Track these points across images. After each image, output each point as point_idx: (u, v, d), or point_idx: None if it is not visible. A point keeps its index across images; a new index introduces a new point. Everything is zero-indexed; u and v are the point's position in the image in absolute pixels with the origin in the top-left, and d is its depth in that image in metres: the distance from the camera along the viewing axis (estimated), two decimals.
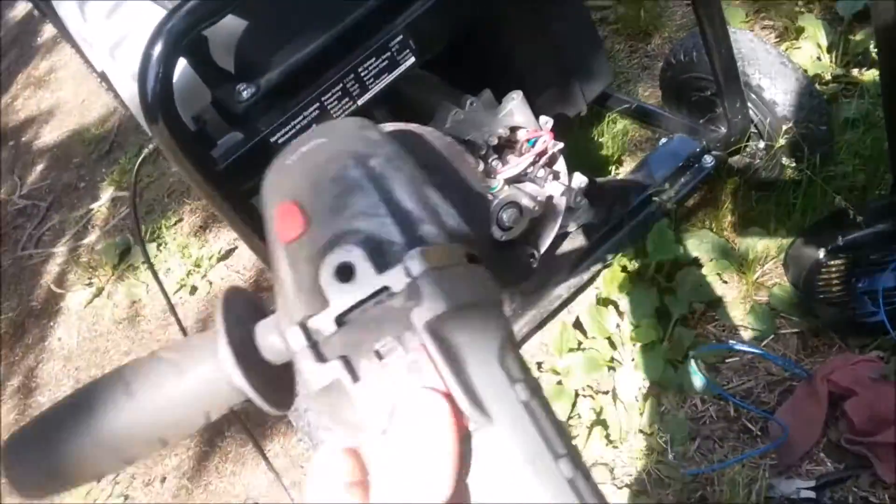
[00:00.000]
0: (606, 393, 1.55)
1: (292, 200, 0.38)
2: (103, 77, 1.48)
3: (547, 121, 1.31)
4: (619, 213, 1.56)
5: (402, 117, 1.19)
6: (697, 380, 1.50)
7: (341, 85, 0.99)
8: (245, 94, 0.98)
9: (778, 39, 1.99)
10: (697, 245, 1.63)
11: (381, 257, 0.35)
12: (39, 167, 3.47)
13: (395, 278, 0.34)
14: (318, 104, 0.99)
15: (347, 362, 0.34)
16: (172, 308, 1.37)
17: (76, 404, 0.42)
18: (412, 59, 1.03)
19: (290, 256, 0.37)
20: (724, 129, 1.56)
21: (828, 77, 1.82)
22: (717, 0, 1.35)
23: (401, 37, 1.03)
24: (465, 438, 0.33)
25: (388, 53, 1.01)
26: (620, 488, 1.43)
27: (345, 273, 0.35)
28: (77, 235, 2.97)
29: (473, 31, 1.13)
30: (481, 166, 1.24)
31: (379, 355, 0.34)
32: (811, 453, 1.35)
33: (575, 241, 1.57)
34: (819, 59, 1.86)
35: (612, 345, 1.58)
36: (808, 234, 1.54)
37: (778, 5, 2.07)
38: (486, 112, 1.27)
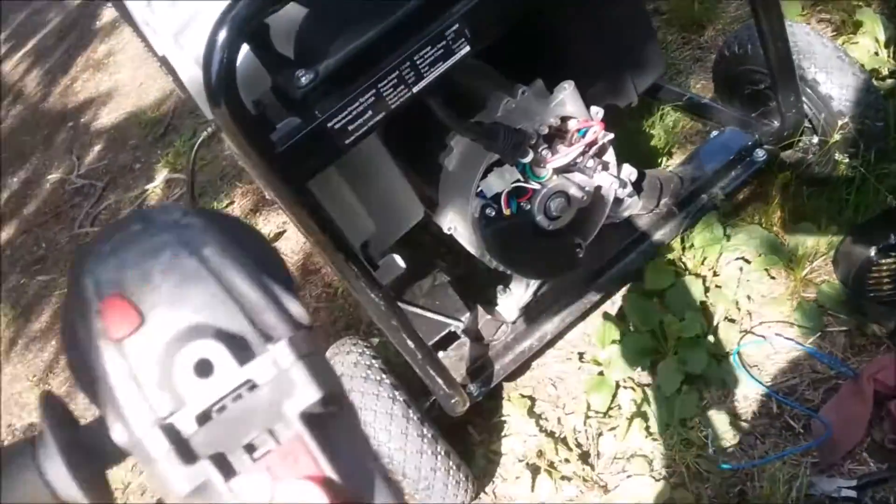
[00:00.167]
0: (648, 385, 1.55)
1: (118, 293, 0.36)
2: (164, 61, 1.52)
3: (598, 111, 1.32)
4: (668, 206, 1.56)
5: (455, 106, 1.21)
6: (741, 375, 1.50)
7: (397, 72, 1.02)
8: (304, 80, 1.00)
9: (835, 33, 1.96)
10: (746, 239, 1.62)
11: (239, 349, 0.34)
12: (97, 148, 3.56)
13: (260, 370, 0.34)
14: (374, 91, 1.01)
15: (218, 460, 0.33)
16: None
17: None
18: (467, 48, 1.05)
19: (123, 355, 0.35)
20: (777, 123, 1.55)
21: (885, 72, 1.79)
22: None
23: (456, 25, 1.04)
24: None
25: (444, 42, 1.03)
26: (658, 480, 1.44)
27: (204, 368, 0.34)
28: None
29: (527, 21, 1.14)
30: (530, 155, 1.25)
31: (251, 449, 0.34)
32: (854, 453, 1.34)
33: (622, 232, 1.58)
34: (876, 54, 1.83)
35: (655, 337, 1.58)
36: (860, 231, 1.52)
37: None
38: (538, 101, 1.28)
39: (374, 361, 1.45)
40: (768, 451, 1.40)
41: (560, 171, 1.32)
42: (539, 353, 1.62)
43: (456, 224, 1.38)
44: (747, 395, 1.49)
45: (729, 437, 1.45)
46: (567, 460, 1.52)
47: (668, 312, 1.59)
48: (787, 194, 1.65)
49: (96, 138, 3.64)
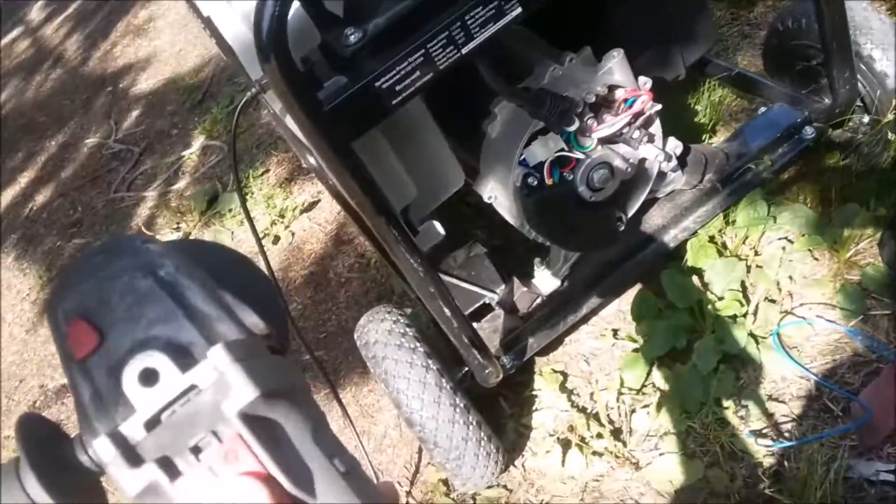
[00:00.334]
0: (684, 363, 1.53)
1: (81, 317, 0.38)
2: (207, 23, 1.51)
3: (646, 81, 1.30)
4: (711, 182, 1.53)
5: (503, 71, 1.19)
6: (780, 356, 1.47)
7: (447, 32, 1.00)
8: (352, 39, 0.99)
9: (891, 10, 1.91)
10: (790, 219, 1.59)
11: (184, 358, 0.36)
12: (135, 113, 3.58)
13: (202, 375, 0.35)
14: (423, 51, 1.00)
15: (164, 462, 0.35)
16: (263, 250, 1.42)
17: None
18: (518, 10, 1.03)
19: (87, 372, 0.37)
20: (828, 101, 1.51)
21: None
22: None
23: None
24: None
25: (496, 2, 1.01)
26: (691, 458, 1.42)
27: (149, 377, 0.36)
28: (168, 181, 3.07)
29: None
30: (576, 124, 1.24)
31: (196, 450, 0.35)
32: (893, 437, 1.32)
33: (663, 207, 1.56)
34: None
35: (693, 315, 1.56)
36: None
37: None
38: (585, 69, 1.26)
39: (407, 329, 1.45)
40: (806, 433, 1.38)
41: (605, 141, 1.30)
42: (573, 328, 1.61)
43: (496, 193, 1.36)
44: (785, 377, 1.47)
45: (765, 417, 1.43)
46: (599, 436, 1.51)
47: (707, 291, 1.57)
48: (835, 174, 1.62)
49: (134, 104, 3.66)
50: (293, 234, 2.46)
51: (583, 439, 1.52)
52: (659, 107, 1.31)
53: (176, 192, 2.98)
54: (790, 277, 1.56)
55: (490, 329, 1.54)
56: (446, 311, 1.28)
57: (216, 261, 0.49)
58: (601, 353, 1.67)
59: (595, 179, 1.31)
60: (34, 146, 3.90)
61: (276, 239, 2.46)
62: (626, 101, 1.28)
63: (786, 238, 1.60)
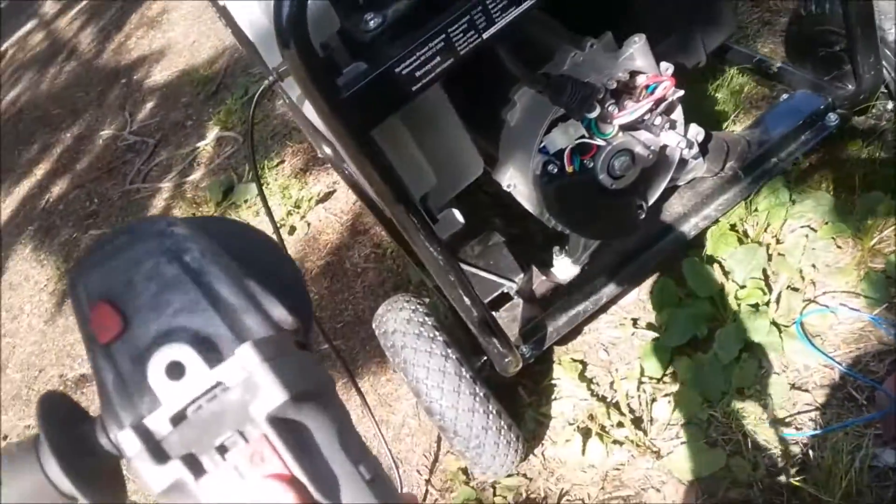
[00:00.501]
0: (705, 352, 1.52)
1: (105, 300, 0.38)
2: (223, 12, 1.51)
3: (668, 66, 1.28)
4: (733, 169, 1.51)
5: (523, 57, 1.18)
6: (803, 345, 1.46)
7: (468, 17, 0.99)
8: (372, 24, 0.98)
9: None
10: (812, 206, 1.57)
11: (211, 352, 0.35)
12: (149, 105, 3.59)
13: (229, 372, 0.34)
14: (443, 36, 0.99)
15: (189, 460, 0.34)
16: (281, 240, 1.41)
17: None
18: None
19: (111, 357, 0.36)
20: (851, 87, 1.49)
21: None
22: None
23: None
24: None
25: None
26: (713, 447, 1.41)
27: (175, 371, 0.35)
28: (183, 172, 3.07)
29: None
30: (597, 110, 1.22)
31: (222, 449, 0.34)
32: None
33: (684, 195, 1.54)
34: None
35: (714, 304, 1.55)
36: None
37: None
38: (606, 55, 1.25)
39: (426, 318, 1.44)
40: (830, 422, 1.36)
41: (626, 128, 1.29)
42: (592, 317, 1.60)
43: (516, 181, 1.35)
44: (809, 366, 1.45)
45: (788, 406, 1.41)
46: (619, 424, 1.50)
47: (729, 279, 1.55)
48: (858, 161, 1.60)
49: (149, 95, 3.67)
50: (309, 225, 2.46)
51: (603, 428, 1.51)
52: (681, 93, 1.30)
53: (191, 184, 2.98)
54: (813, 265, 1.54)
55: (509, 318, 1.53)
56: (466, 300, 1.27)
57: (243, 244, 0.48)
58: (621, 342, 1.66)
59: (616, 167, 1.30)
60: (49, 138, 3.91)
61: (292, 229, 2.45)
62: (647, 87, 1.26)
63: (808, 226, 1.58)
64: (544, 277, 1.54)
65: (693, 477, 1.39)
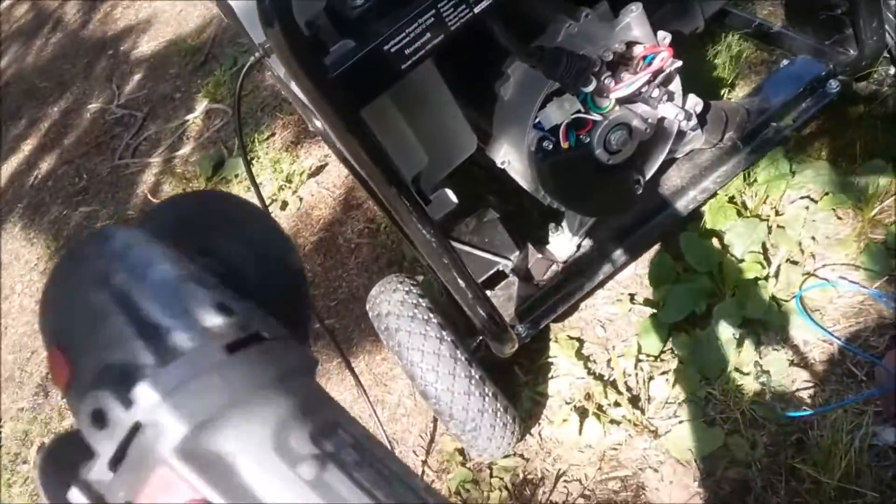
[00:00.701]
0: (704, 328, 1.50)
1: (56, 345, 0.37)
2: None
3: (665, 36, 1.24)
4: (732, 140, 1.48)
5: (516, 29, 1.14)
6: (802, 320, 1.44)
7: None
8: (359, 0, 0.94)
9: None
10: (813, 177, 1.54)
11: (131, 388, 0.34)
12: (136, 77, 3.52)
13: (142, 412, 0.33)
14: (433, 11, 0.95)
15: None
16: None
17: None
18: None
19: (70, 404, 0.36)
20: (853, 52, 1.45)
21: None
22: None
23: None
24: None
25: None
26: (711, 426, 1.40)
27: (99, 419, 0.34)
28: (172, 146, 3.02)
29: None
30: (593, 84, 1.18)
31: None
32: None
33: (682, 167, 1.51)
34: None
35: (713, 279, 1.52)
36: None
37: None
38: (602, 25, 1.20)
39: (420, 300, 1.41)
40: (829, 399, 1.35)
41: (623, 101, 1.25)
42: (589, 293, 1.58)
43: (510, 157, 1.32)
44: (808, 341, 1.43)
45: (787, 383, 1.39)
46: (616, 404, 1.48)
47: (727, 253, 1.53)
48: (859, 129, 1.56)
49: (136, 67, 3.60)
50: (301, 200, 2.42)
51: (600, 407, 1.50)
52: (679, 63, 1.26)
53: (181, 158, 2.94)
54: (813, 238, 1.52)
55: (504, 297, 1.51)
56: (460, 281, 1.24)
57: (214, 219, 0.46)
58: (618, 319, 1.64)
59: (613, 141, 1.26)
60: (36, 112, 3.85)
61: (284, 205, 2.42)
62: (644, 58, 1.22)
63: (808, 197, 1.55)
64: (540, 255, 1.51)
65: (691, 456, 1.38)
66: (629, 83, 1.21)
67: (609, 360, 1.57)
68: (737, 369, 1.43)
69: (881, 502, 1.20)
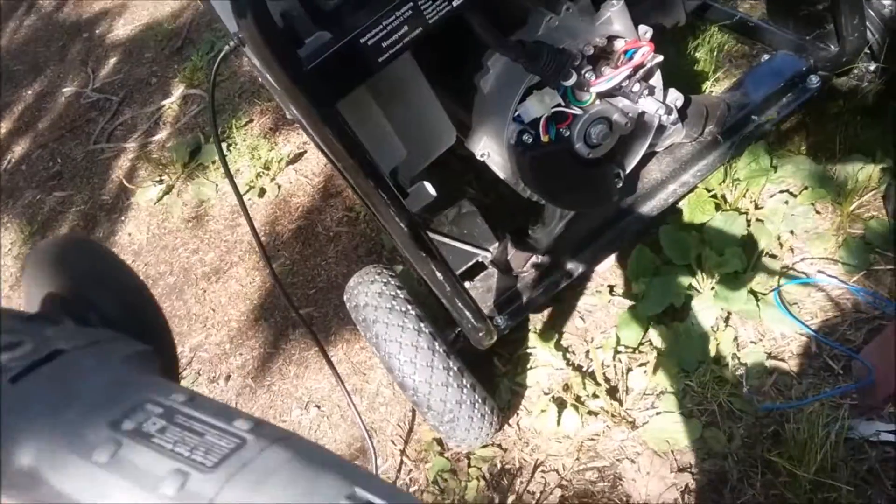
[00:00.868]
0: (682, 321, 1.50)
1: None
2: None
3: (646, 30, 1.23)
4: (712, 134, 1.47)
5: (497, 23, 1.12)
6: (780, 313, 1.44)
7: None
8: None
9: None
10: (792, 171, 1.55)
11: None
12: (112, 61, 3.46)
13: None
14: (411, 4, 0.93)
15: None
16: (245, 207, 1.35)
17: None
18: None
19: None
20: (834, 48, 1.45)
21: None
22: None
23: None
24: None
25: None
26: (689, 418, 1.40)
27: None
28: (148, 132, 2.98)
29: None
30: (574, 78, 1.17)
31: None
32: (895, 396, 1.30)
33: (662, 161, 1.50)
34: None
35: (692, 272, 1.53)
36: None
37: None
38: (583, 19, 1.19)
39: (399, 292, 1.40)
40: (806, 393, 1.36)
41: (603, 95, 1.24)
42: (568, 286, 1.57)
43: (489, 150, 1.31)
44: (785, 334, 1.44)
45: (764, 376, 1.40)
46: (595, 395, 1.49)
47: (706, 247, 1.53)
48: (839, 124, 1.56)
49: (111, 51, 3.53)
50: (279, 187, 2.39)
51: (578, 398, 1.50)
52: (660, 58, 1.25)
53: (157, 144, 2.89)
54: (792, 232, 1.52)
55: (483, 289, 1.50)
56: (438, 273, 1.23)
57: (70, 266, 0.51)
58: (597, 310, 1.64)
59: (593, 135, 1.25)
60: (10, 96, 3.77)
61: (262, 192, 2.39)
62: (625, 52, 1.21)
63: (788, 191, 1.56)
64: (519, 247, 1.50)
65: (668, 448, 1.39)
66: (610, 77, 1.20)
67: (588, 352, 1.57)
68: (714, 362, 1.44)
69: (856, 495, 1.21)
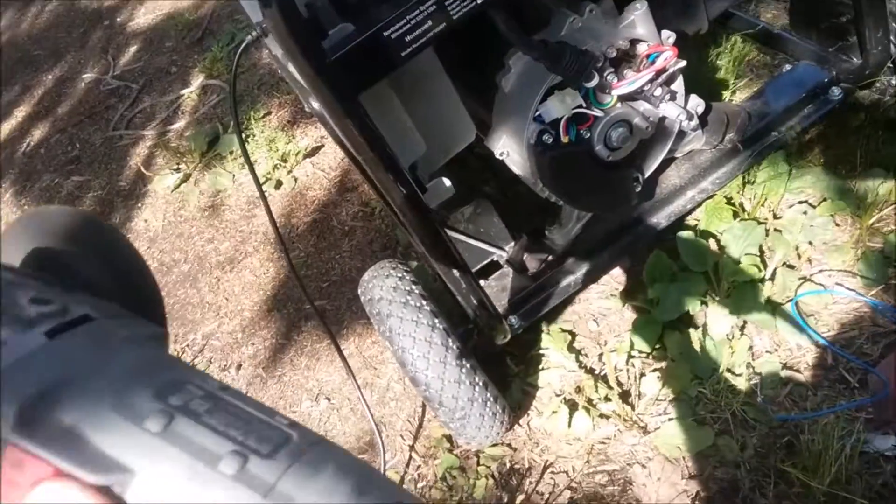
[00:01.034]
0: (697, 328, 1.49)
1: None
2: None
3: (669, 35, 1.22)
4: (732, 142, 1.46)
5: (520, 22, 1.12)
6: (796, 324, 1.43)
7: None
8: None
9: None
10: (812, 182, 1.54)
11: None
12: (132, 49, 3.48)
13: None
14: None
15: None
16: (264, 197, 1.36)
17: None
18: None
19: None
20: (857, 60, 1.44)
21: None
22: None
23: None
24: (114, 501, 0.32)
25: None
26: (701, 425, 1.39)
27: None
28: (167, 120, 2.99)
29: None
30: (596, 79, 1.17)
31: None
32: None
33: (681, 167, 1.49)
34: None
35: (708, 279, 1.52)
36: None
37: None
38: (606, 21, 1.19)
39: (413, 287, 1.40)
40: (820, 404, 1.35)
41: (625, 98, 1.24)
42: (583, 288, 1.57)
43: (509, 149, 1.30)
44: (801, 345, 1.43)
45: (779, 386, 1.39)
46: (607, 398, 1.48)
47: (724, 254, 1.52)
48: (860, 137, 1.55)
49: (132, 39, 3.55)
50: (296, 180, 2.40)
51: (590, 401, 1.49)
52: (683, 63, 1.24)
53: (175, 132, 2.91)
54: (810, 243, 1.51)
55: (498, 287, 1.50)
56: (454, 270, 1.23)
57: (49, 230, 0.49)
58: (611, 314, 1.63)
59: (613, 138, 1.25)
60: (30, 80, 3.79)
61: (279, 184, 2.40)
62: (648, 56, 1.21)
63: (807, 202, 1.55)
64: (535, 247, 1.50)
65: (679, 454, 1.38)
66: (632, 81, 1.19)
67: (601, 355, 1.56)
68: (729, 370, 1.43)
69: None
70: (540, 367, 1.60)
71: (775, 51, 1.74)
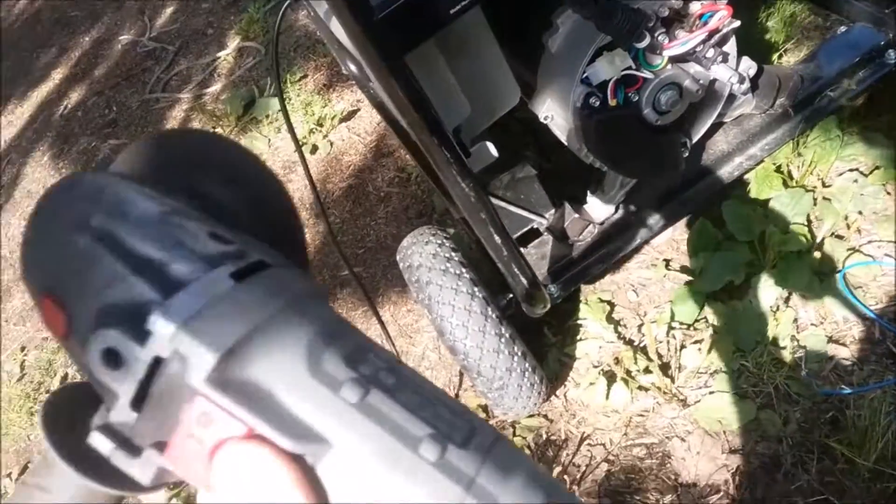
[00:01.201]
0: (741, 299, 1.46)
1: (46, 294, 0.35)
2: None
3: None
4: (783, 106, 1.42)
5: None
6: (843, 296, 1.39)
7: None
8: None
9: None
10: (864, 150, 1.48)
11: (143, 324, 0.31)
12: (169, 10, 3.47)
13: (159, 346, 0.30)
14: None
15: (160, 446, 0.31)
16: (305, 161, 1.35)
17: None
18: None
19: (72, 353, 0.34)
20: None
21: None
22: None
23: None
24: (307, 474, 0.30)
25: None
26: (743, 398, 1.37)
27: (111, 359, 0.31)
28: (203, 83, 2.98)
29: None
30: (647, 40, 1.13)
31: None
32: None
33: (729, 132, 1.45)
34: None
35: (754, 249, 1.48)
36: None
37: None
38: None
39: (453, 254, 1.38)
40: (867, 379, 1.31)
41: (676, 59, 1.20)
42: (624, 257, 1.54)
43: (553, 112, 1.27)
44: (848, 318, 1.39)
45: (824, 360, 1.36)
46: (646, 370, 1.46)
47: (770, 224, 1.48)
48: None
49: (168, 1, 3.54)
50: (331, 144, 2.38)
51: (628, 373, 1.47)
52: (737, 24, 1.20)
53: (211, 95, 2.90)
54: (860, 212, 1.47)
55: (538, 255, 1.48)
56: (496, 237, 1.21)
57: (194, 158, 0.43)
58: (651, 284, 1.60)
59: (662, 101, 1.21)
60: (67, 41, 3.81)
61: (314, 148, 2.38)
62: (701, 16, 1.17)
63: (858, 170, 1.50)
64: (576, 215, 1.47)
65: (720, 428, 1.36)
66: (684, 41, 1.15)
67: (640, 326, 1.54)
68: (773, 343, 1.40)
69: None
70: (578, 337, 1.58)
71: (828, 12, 1.67)
